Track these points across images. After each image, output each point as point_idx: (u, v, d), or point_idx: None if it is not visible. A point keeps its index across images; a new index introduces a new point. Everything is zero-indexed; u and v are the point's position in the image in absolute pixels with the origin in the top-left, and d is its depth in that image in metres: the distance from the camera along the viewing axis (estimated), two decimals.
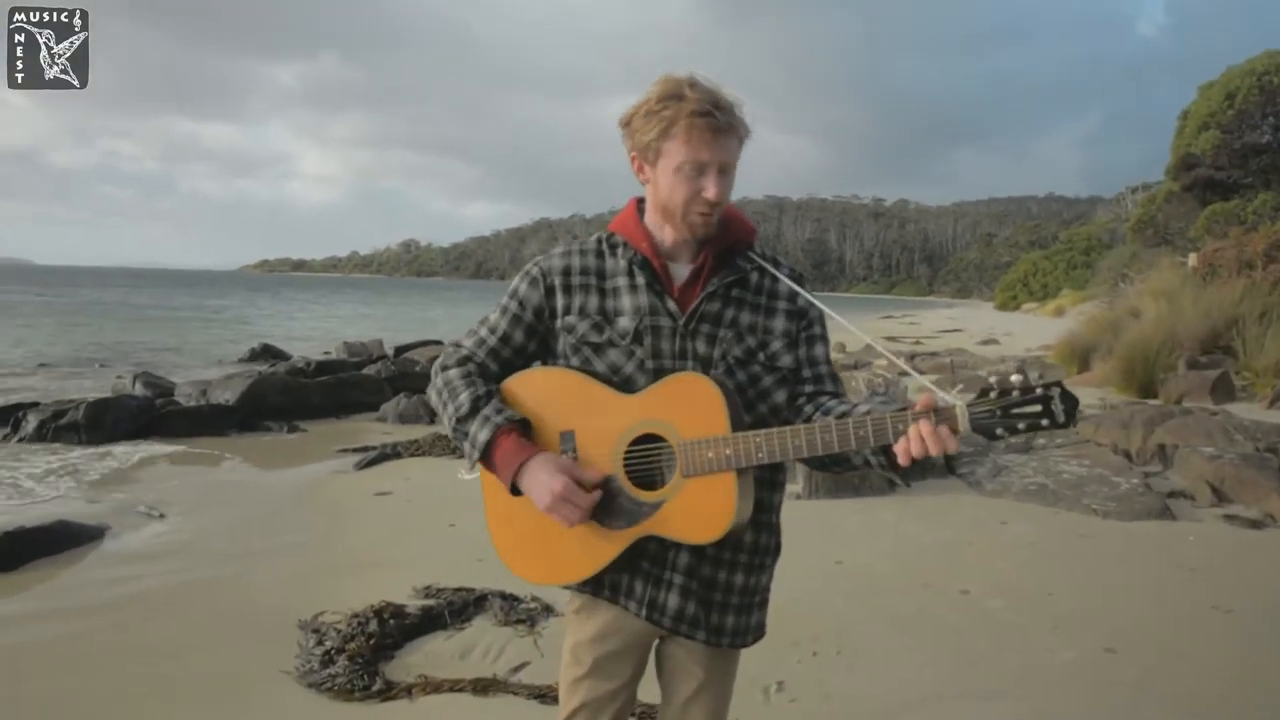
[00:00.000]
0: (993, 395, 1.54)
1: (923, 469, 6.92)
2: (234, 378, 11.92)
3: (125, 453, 8.82)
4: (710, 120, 1.69)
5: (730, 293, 1.81)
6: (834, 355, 1.74)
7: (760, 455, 1.63)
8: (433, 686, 3.53)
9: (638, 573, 1.79)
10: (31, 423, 9.21)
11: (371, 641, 3.85)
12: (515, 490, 1.75)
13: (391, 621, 4.04)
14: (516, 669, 3.69)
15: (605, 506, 1.73)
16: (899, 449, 1.57)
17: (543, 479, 1.69)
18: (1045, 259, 69.14)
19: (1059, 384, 1.54)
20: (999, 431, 1.53)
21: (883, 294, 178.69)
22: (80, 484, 7.43)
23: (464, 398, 1.78)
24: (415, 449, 8.61)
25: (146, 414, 9.92)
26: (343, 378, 12.39)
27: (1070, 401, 1.52)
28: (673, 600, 1.79)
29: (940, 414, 1.54)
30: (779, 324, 1.83)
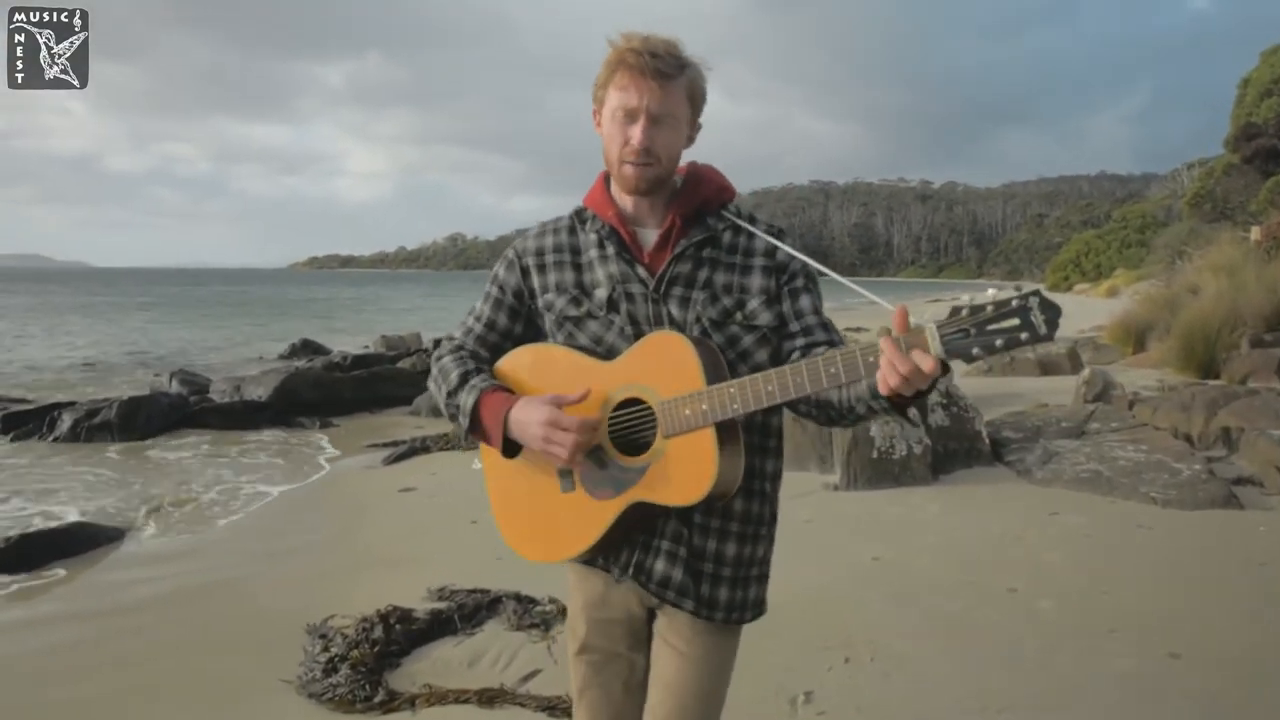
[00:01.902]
0: (964, 313, 1.41)
1: (967, 456, 6.59)
2: (268, 373, 11.90)
3: (153, 450, 8.80)
4: (640, 63, 1.66)
5: (701, 253, 1.77)
6: (875, 340, 1.49)
7: (735, 406, 1.59)
8: (437, 697, 3.34)
9: (627, 540, 1.77)
10: (66, 422, 9.25)
11: (376, 649, 3.67)
12: (509, 447, 1.74)
13: (398, 627, 3.85)
14: (527, 678, 3.48)
15: (595, 476, 1.72)
16: (878, 381, 1.46)
17: (529, 414, 1.69)
18: (1098, 238, 67.66)
19: (1036, 292, 1.40)
20: (975, 351, 1.40)
21: (931, 278, 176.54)
22: (104, 483, 7.38)
23: (454, 375, 1.81)
24: (444, 443, 8.47)
25: (179, 411, 9.93)
26: (376, 371, 12.32)
27: (1051, 310, 1.37)
28: (659, 565, 1.76)
29: (908, 338, 1.42)
30: (755, 281, 1.77)
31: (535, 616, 3.99)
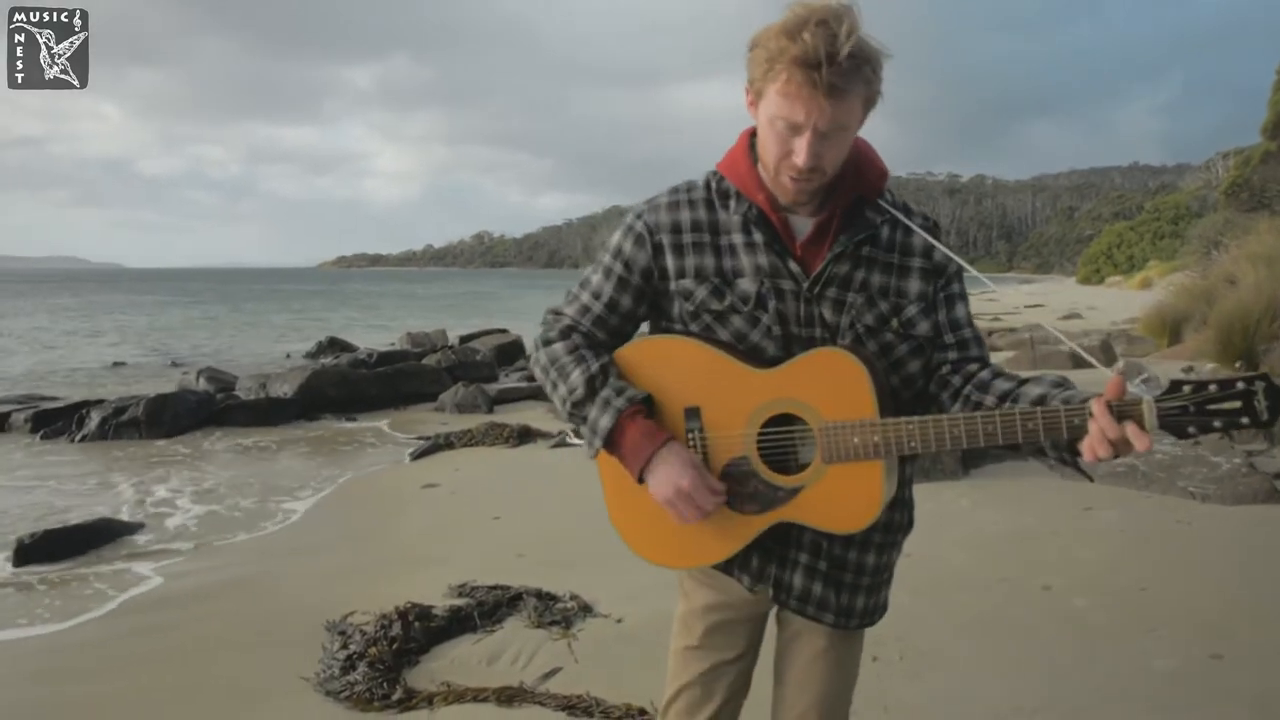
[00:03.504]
0: (1186, 389, 1.36)
1: (999, 450, 6.44)
2: (294, 371, 11.93)
3: (176, 447, 8.83)
4: (811, 75, 1.42)
5: (860, 251, 1.60)
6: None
7: (913, 445, 1.49)
8: (455, 696, 3.27)
9: (758, 547, 1.66)
10: (94, 420, 9.30)
11: (394, 646, 3.61)
12: (640, 478, 1.60)
13: (417, 624, 3.79)
14: (547, 676, 3.41)
15: (737, 489, 1.60)
16: (1084, 448, 1.39)
17: (670, 473, 1.55)
18: (1130, 230, 66.70)
19: (1265, 376, 1.34)
20: (1191, 429, 1.36)
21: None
22: (130, 480, 7.41)
23: (576, 378, 1.61)
24: (468, 439, 8.44)
25: (206, 408, 9.96)
26: (401, 368, 12.31)
27: (1276, 397, 1.33)
28: (798, 580, 1.68)
29: (1124, 409, 1.36)
30: (914, 285, 1.62)
31: (556, 614, 3.93)
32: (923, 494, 5.93)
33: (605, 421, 1.58)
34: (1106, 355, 12.21)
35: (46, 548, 5.20)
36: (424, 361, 13.59)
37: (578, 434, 1.71)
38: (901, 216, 1.63)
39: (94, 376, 16.19)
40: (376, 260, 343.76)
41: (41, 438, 9.27)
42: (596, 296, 1.69)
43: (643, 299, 1.68)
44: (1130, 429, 1.34)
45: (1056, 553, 4.59)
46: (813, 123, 1.45)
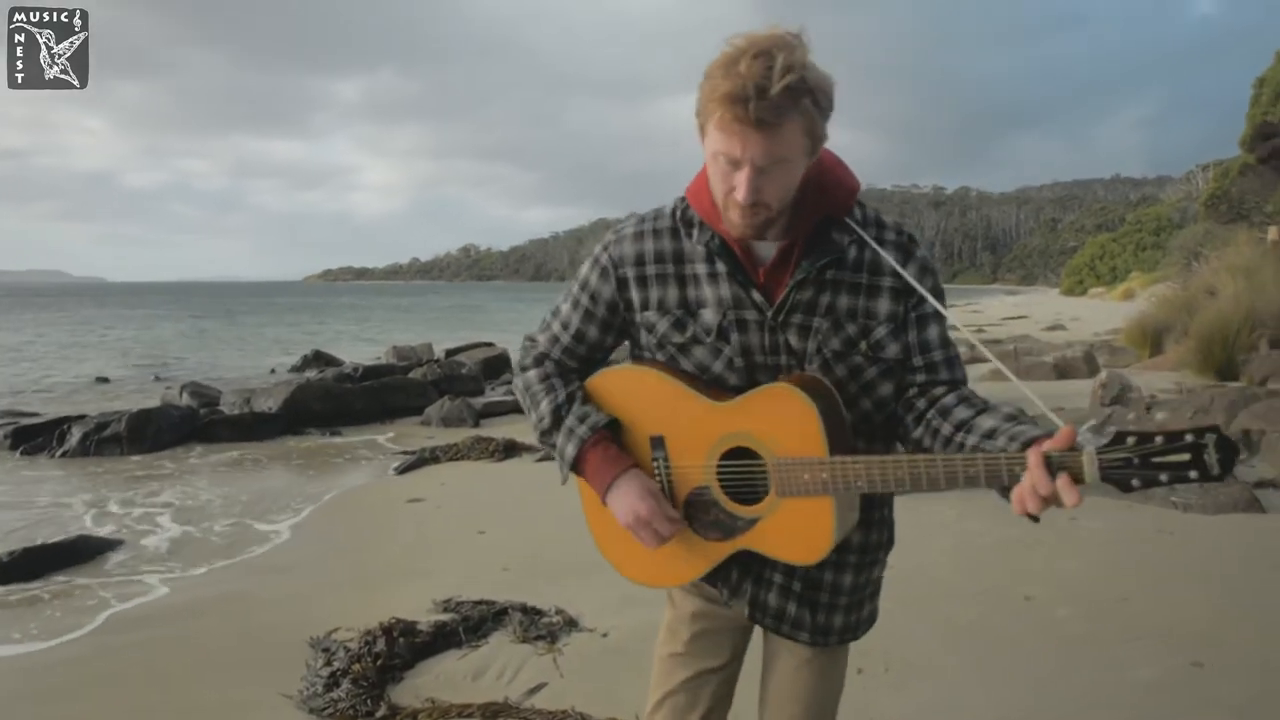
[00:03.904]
0: (1130, 441, 1.30)
1: None
2: (278, 385, 11.87)
3: (158, 463, 8.77)
4: (741, 110, 1.38)
5: (824, 275, 1.58)
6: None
7: (859, 484, 1.48)
8: (439, 712, 3.26)
9: (737, 563, 1.68)
10: (75, 435, 9.22)
11: (379, 662, 3.59)
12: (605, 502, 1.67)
13: (401, 640, 3.77)
14: (532, 691, 3.40)
15: (701, 517, 1.64)
16: (1014, 499, 1.37)
17: (629, 500, 1.60)
18: (1113, 241, 67.35)
19: (1215, 429, 1.27)
20: (1134, 483, 1.30)
21: (945, 283, 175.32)
22: (110, 497, 7.35)
23: (544, 407, 1.69)
24: (454, 453, 8.42)
25: (189, 424, 9.90)
26: (387, 382, 12.28)
27: (1227, 450, 1.26)
28: (773, 599, 1.69)
29: (1063, 459, 1.31)
30: (884, 306, 1.59)
31: (542, 628, 3.92)
32: (908, 505, 5.94)
33: (570, 449, 1.64)
34: (1090, 366, 12.30)
35: (26, 565, 5.15)
36: (410, 375, 13.54)
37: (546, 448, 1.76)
38: (868, 238, 1.59)
39: (76, 391, 16.07)
40: (362, 274, 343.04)
41: (21, 454, 9.18)
42: (565, 327, 1.73)
43: (609, 330, 1.72)
44: (1063, 482, 1.29)
45: (1040, 562, 4.61)
46: (749, 158, 1.43)
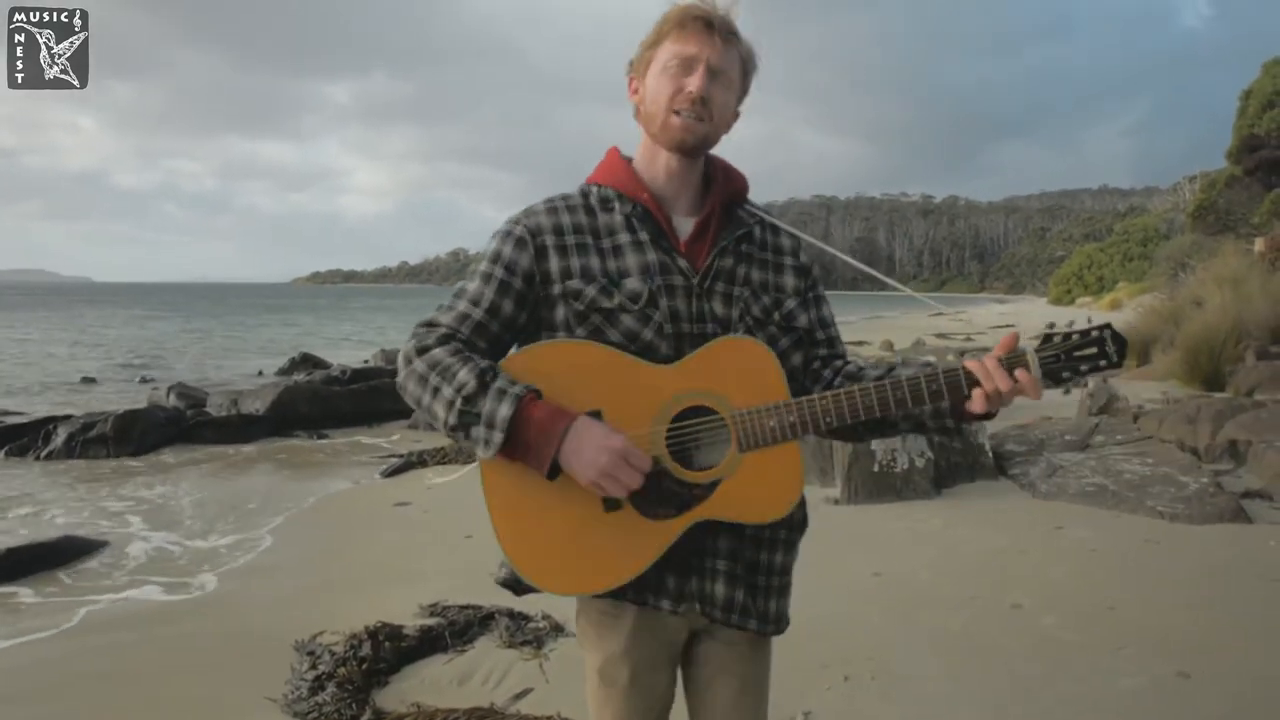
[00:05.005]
0: (1056, 339, 1.54)
1: (970, 469, 6.49)
2: (266, 387, 11.82)
3: (144, 465, 8.71)
4: (703, 19, 1.58)
5: (740, 247, 1.67)
6: (882, 354, 1.51)
7: (829, 419, 1.53)
8: (425, 717, 3.24)
9: (671, 566, 1.56)
10: (60, 437, 9.16)
11: (364, 666, 3.57)
12: (555, 469, 1.44)
13: (387, 644, 3.76)
14: (518, 696, 3.38)
15: (650, 493, 1.48)
16: (975, 397, 1.52)
17: (594, 440, 1.42)
18: (1100, 251, 67.72)
19: (1108, 325, 1.56)
20: (1065, 374, 1.55)
21: (933, 291, 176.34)
22: (95, 497, 7.30)
23: (465, 374, 1.45)
24: (441, 457, 8.39)
25: (175, 425, 9.85)
26: (374, 385, 12.21)
27: (1120, 342, 1.55)
28: (720, 589, 1.60)
29: (1012, 360, 1.52)
30: (789, 281, 1.71)
31: (528, 633, 3.90)
32: (895, 513, 5.99)
33: (504, 410, 1.42)
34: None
35: (7, 565, 5.11)
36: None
37: (464, 442, 1.50)
38: (771, 218, 1.73)
39: (61, 392, 15.96)
40: (351, 277, 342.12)
41: (5, 455, 9.11)
42: (475, 303, 1.58)
43: (524, 304, 1.59)
44: (1021, 375, 1.50)
45: (1027, 571, 4.62)
46: (705, 56, 1.57)
